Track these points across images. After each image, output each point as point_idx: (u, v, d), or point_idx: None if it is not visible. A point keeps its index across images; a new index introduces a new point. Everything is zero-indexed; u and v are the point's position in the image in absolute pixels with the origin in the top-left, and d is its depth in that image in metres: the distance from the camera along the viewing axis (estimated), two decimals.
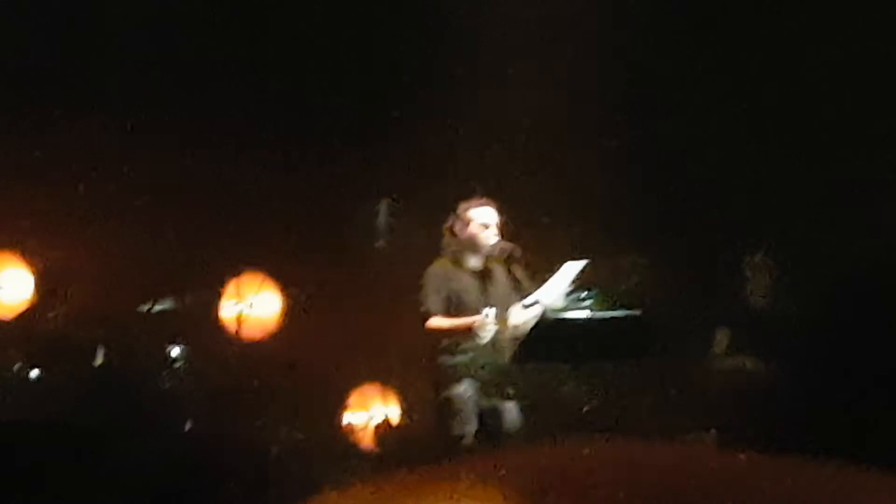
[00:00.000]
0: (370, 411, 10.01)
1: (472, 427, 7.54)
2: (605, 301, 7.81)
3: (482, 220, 7.70)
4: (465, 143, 10.01)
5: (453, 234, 7.73)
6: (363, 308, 10.03)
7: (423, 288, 7.67)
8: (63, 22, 9.86)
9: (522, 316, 7.68)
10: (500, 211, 7.78)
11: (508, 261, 7.67)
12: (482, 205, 7.74)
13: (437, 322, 7.59)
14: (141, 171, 9.79)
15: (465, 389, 7.55)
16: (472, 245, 7.71)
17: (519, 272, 7.60)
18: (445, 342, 7.60)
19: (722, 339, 8.85)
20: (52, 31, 9.83)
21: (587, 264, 7.69)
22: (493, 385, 7.61)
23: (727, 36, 9.77)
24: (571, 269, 7.67)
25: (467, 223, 7.71)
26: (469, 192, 7.87)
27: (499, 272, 7.74)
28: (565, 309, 7.57)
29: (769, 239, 9.01)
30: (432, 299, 7.61)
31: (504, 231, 7.75)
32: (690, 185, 9.96)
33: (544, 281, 7.71)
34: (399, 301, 8.77)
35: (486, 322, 7.48)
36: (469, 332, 7.53)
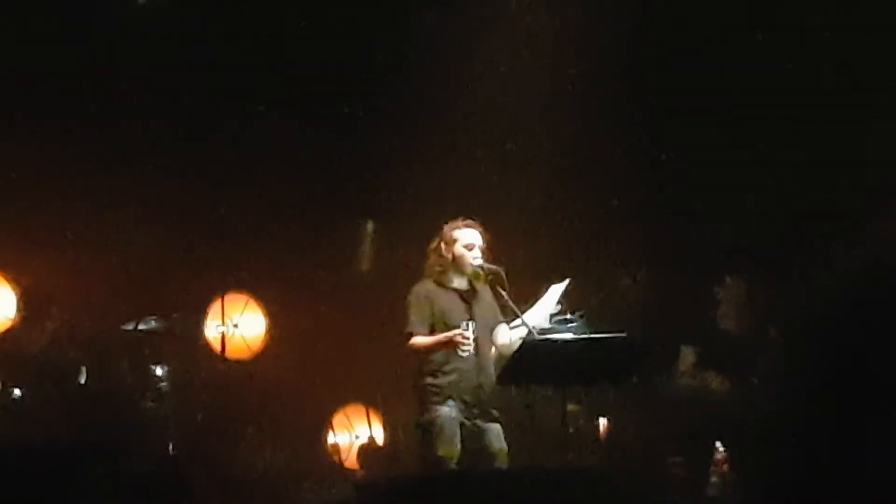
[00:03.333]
0: (354, 432, 9.99)
1: (455, 448, 7.52)
2: (590, 323, 7.81)
3: (467, 241, 7.70)
4: (450, 165, 10.02)
5: (438, 254, 7.73)
6: (347, 329, 10.03)
7: (407, 308, 7.66)
8: (50, 36, 9.85)
9: (507, 337, 7.68)
10: (485, 232, 7.78)
11: (493, 282, 7.67)
12: (467, 226, 7.75)
13: (419, 340, 7.58)
14: (126, 193, 9.78)
15: (449, 410, 7.54)
16: (457, 266, 7.71)
17: (503, 293, 7.59)
18: (430, 364, 7.59)
19: (688, 357, 8.86)
20: (42, 48, 9.82)
21: (570, 284, 7.70)
22: (477, 406, 7.61)
23: (714, 65, 9.80)
24: (556, 291, 7.68)
25: (452, 244, 7.71)
26: (454, 214, 7.87)
27: (483, 293, 7.74)
28: (551, 331, 7.57)
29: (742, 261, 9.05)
30: (415, 319, 7.60)
31: (488, 252, 7.75)
32: (675, 208, 9.99)
33: (529, 302, 7.71)
34: (383, 322, 8.76)
35: (465, 334, 7.47)
36: (450, 346, 7.52)
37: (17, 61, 9.57)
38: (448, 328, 7.60)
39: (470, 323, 7.54)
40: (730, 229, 9.59)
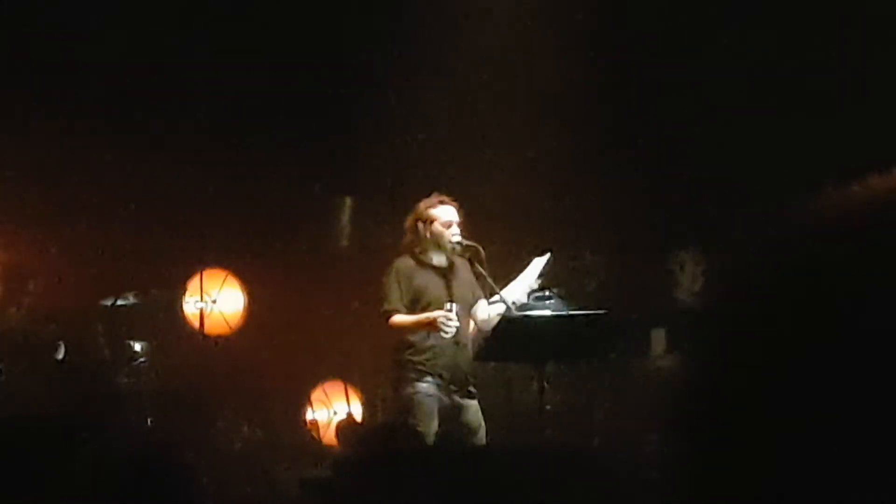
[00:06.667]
0: (332, 408, 10.00)
1: (433, 425, 7.54)
2: (568, 300, 7.83)
3: (445, 219, 7.70)
4: (428, 141, 10.01)
5: (415, 233, 7.72)
6: (326, 305, 10.03)
7: (385, 285, 7.66)
8: (25, 21, 9.81)
9: (486, 313, 7.69)
10: (463, 209, 7.78)
11: (472, 259, 7.68)
12: (443, 203, 7.74)
13: (400, 319, 7.58)
14: (102, 168, 9.76)
15: (427, 387, 7.56)
16: (436, 243, 7.71)
17: (482, 270, 7.60)
18: (408, 341, 7.60)
19: (658, 339, 8.88)
20: (17, 32, 9.77)
21: (550, 258, 7.71)
22: (455, 382, 7.62)
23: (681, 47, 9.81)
24: (536, 266, 7.69)
25: (430, 222, 7.70)
26: (432, 191, 7.87)
27: (462, 270, 7.74)
28: (529, 307, 7.58)
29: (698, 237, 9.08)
30: (395, 296, 7.60)
31: (466, 229, 7.75)
32: (643, 184, 10.01)
33: (508, 279, 7.72)
34: (362, 298, 8.76)
35: (449, 316, 7.47)
36: (432, 328, 7.51)
37: None
38: (427, 305, 7.61)
39: (454, 304, 7.52)
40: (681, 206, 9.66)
